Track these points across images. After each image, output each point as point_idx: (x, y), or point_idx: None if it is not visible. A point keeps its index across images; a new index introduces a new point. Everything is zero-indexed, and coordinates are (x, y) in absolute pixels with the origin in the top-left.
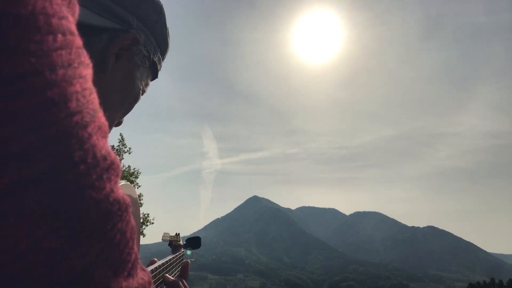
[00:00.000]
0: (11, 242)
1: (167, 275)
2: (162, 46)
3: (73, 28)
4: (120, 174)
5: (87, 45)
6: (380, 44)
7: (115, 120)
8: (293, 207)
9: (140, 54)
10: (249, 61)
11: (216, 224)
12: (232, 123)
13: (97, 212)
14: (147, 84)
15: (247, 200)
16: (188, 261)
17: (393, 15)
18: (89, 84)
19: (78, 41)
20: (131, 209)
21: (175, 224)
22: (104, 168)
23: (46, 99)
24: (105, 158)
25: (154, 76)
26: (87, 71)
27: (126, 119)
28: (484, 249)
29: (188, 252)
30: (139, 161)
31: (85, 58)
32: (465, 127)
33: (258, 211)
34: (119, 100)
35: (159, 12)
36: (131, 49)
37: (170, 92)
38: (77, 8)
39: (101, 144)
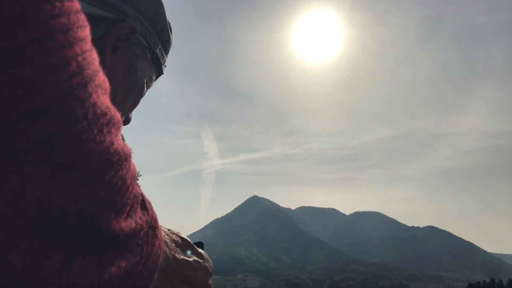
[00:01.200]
0: (29, 191)
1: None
2: (163, 39)
3: None
4: (120, 127)
5: None
6: (380, 45)
7: (122, 115)
8: (293, 207)
9: (138, 44)
10: (249, 61)
11: (216, 224)
12: (232, 123)
13: (99, 162)
14: (151, 79)
15: (247, 200)
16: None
17: (393, 16)
18: (88, 45)
19: (76, 5)
20: (131, 159)
21: (175, 224)
22: (104, 123)
23: (48, 64)
24: (105, 113)
25: (159, 72)
26: (86, 33)
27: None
28: (484, 249)
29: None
30: (139, 161)
31: (83, 21)
32: (465, 128)
33: (258, 211)
34: (123, 93)
35: (157, 4)
36: (128, 38)
37: (170, 92)
38: None
39: (102, 100)
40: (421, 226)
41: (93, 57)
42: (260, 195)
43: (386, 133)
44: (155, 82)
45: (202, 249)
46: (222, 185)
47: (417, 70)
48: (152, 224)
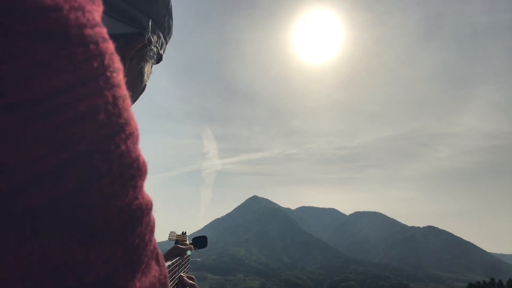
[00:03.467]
0: (46, 257)
1: (182, 274)
2: (168, 37)
3: (105, 33)
4: (146, 176)
5: None
6: (380, 45)
7: None
8: (293, 207)
9: (150, 52)
10: (249, 61)
11: (216, 224)
12: (232, 124)
13: (120, 220)
14: (151, 73)
15: (247, 200)
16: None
17: (393, 16)
18: (122, 91)
19: (111, 47)
20: (152, 210)
21: (175, 224)
22: (129, 177)
23: (77, 114)
24: (131, 165)
25: (159, 61)
26: (119, 77)
27: None
28: (484, 249)
29: (188, 252)
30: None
31: (118, 63)
32: (464, 128)
33: (258, 211)
34: (130, 96)
35: (167, 5)
36: (143, 50)
37: (170, 92)
38: (101, 9)
39: (130, 151)
40: (421, 226)
41: (126, 103)
42: (260, 195)
43: (386, 133)
44: (152, 83)
45: (206, 243)
46: (222, 185)
47: (417, 70)
48: (163, 282)
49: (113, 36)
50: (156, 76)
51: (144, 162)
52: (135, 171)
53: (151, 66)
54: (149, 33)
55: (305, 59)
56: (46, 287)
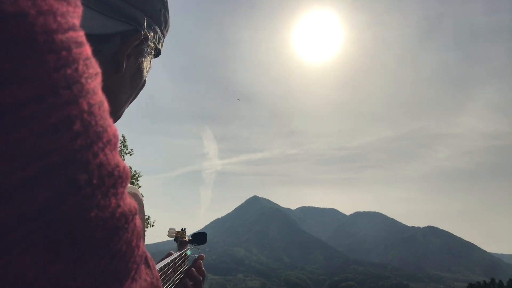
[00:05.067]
0: (19, 272)
1: (193, 269)
2: (165, 31)
3: (81, 37)
4: (128, 181)
5: (100, 52)
6: (380, 45)
7: (124, 110)
8: (293, 207)
9: (148, 48)
10: (249, 61)
11: (216, 224)
12: (232, 124)
13: (103, 230)
14: (150, 67)
15: (247, 200)
16: (201, 257)
17: (393, 16)
18: (98, 97)
19: (86, 51)
20: (137, 215)
21: (176, 224)
22: (109, 185)
23: (48, 125)
24: (111, 174)
25: (157, 55)
26: (95, 83)
27: (126, 120)
28: (484, 249)
29: (188, 252)
30: (140, 162)
31: (94, 68)
32: (464, 128)
33: (258, 211)
34: (128, 93)
35: (162, 0)
36: (141, 47)
37: (170, 93)
38: (79, 9)
39: (109, 159)
40: (421, 226)
41: (103, 109)
42: (260, 195)
43: (386, 134)
44: (152, 84)
45: (205, 239)
46: (222, 185)
47: (416, 70)
48: (156, 284)
49: (108, 35)
50: (157, 76)
51: (124, 167)
52: (116, 178)
53: (150, 61)
54: (145, 29)
55: (305, 59)
56: None
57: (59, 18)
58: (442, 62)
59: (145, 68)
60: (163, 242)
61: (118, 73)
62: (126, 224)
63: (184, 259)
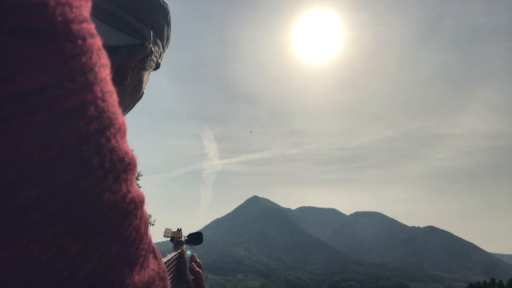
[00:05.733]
0: (39, 251)
1: (193, 263)
2: (166, 47)
3: (93, 29)
4: (136, 170)
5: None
6: (380, 45)
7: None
8: (293, 207)
9: (151, 62)
10: (249, 61)
11: (216, 224)
12: (232, 124)
13: (115, 213)
14: (147, 80)
15: (247, 200)
16: (183, 249)
17: (393, 16)
18: (109, 86)
19: (98, 42)
20: (145, 204)
21: (176, 224)
22: (120, 170)
23: (66, 109)
24: (122, 159)
25: (156, 69)
26: (107, 72)
27: (127, 120)
28: (484, 249)
29: (188, 252)
30: (140, 161)
31: (105, 59)
32: (464, 128)
33: (258, 211)
34: (128, 103)
35: (167, 15)
36: (145, 60)
37: (170, 93)
38: (89, 4)
39: (120, 145)
40: (421, 226)
41: (113, 98)
42: (260, 195)
43: (385, 134)
44: (152, 84)
45: (201, 239)
46: (222, 185)
47: (416, 70)
48: (162, 275)
49: (116, 47)
50: (157, 77)
51: (133, 156)
52: (126, 165)
53: (149, 74)
54: (151, 44)
55: (305, 59)
56: (40, 281)
57: (74, 10)
58: (442, 62)
59: (145, 81)
60: (163, 242)
61: (122, 84)
62: (135, 210)
63: (179, 260)
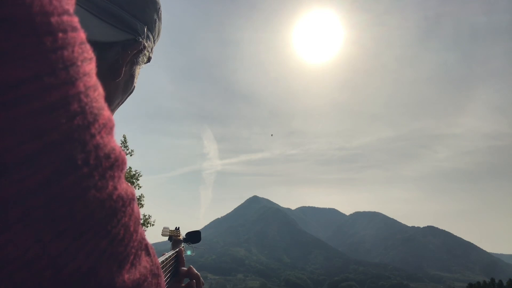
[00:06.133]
0: (18, 250)
1: (191, 266)
2: (156, 40)
3: (75, 22)
4: (125, 167)
5: (102, 59)
6: (380, 45)
7: (112, 113)
8: (293, 207)
9: (143, 57)
10: (249, 62)
11: (216, 224)
12: (232, 124)
13: (101, 211)
14: (138, 74)
15: (247, 200)
16: (181, 249)
17: (392, 16)
18: (93, 80)
19: (81, 36)
20: (135, 201)
21: (175, 224)
22: (107, 167)
23: (46, 104)
24: (108, 156)
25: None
26: (91, 67)
27: (126, 120)
28: (484, 249)
29: (188, 252)
30: (140, 161)
31: (88, 53)
32: (464, 129)
33: (258, 211)
34: (120, 98)
35: (158, 10)
36: (138, 55)
37: (170, 93)
38: None
39: (105, 141)
40: (421, 226)
41: (98, 92)
42: (260, 195)
43: (385, 134)
44: (152, 84)
45: (199, 238)
46: (222, 185)
47: (416, 70)
48: (155, 272)
49: (110, 43)
50: (157, 77)
51: (120, 152)
52: (112, 161)
53: (139, 68)
54: (144, 39)
55: (304, 59)
56: (20, 280)
57: (54, 2)
58: (442, 62)
59: (137, 75)
60: (163, 242)
61: (116, 79)
62: (124, 207)
63: (176, 258)
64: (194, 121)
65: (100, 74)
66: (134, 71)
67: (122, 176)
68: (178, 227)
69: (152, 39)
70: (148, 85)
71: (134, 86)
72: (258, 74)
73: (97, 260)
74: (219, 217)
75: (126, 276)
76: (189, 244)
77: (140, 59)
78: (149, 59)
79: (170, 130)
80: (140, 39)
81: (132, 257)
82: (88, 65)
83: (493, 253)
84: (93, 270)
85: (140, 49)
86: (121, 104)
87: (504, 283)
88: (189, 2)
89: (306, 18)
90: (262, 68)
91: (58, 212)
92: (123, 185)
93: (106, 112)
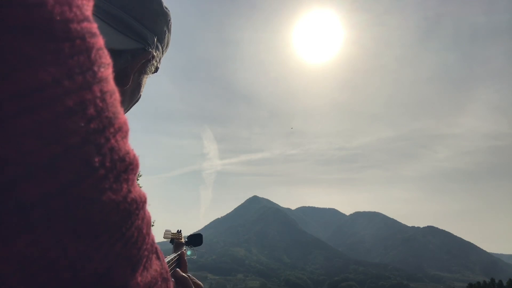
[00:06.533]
0: (40, 252)
1: (178, 269)
2: (165, 51)
3: (94, 28)
4: (137, 170)
5: (112, 66)
6: (380, 45)
7: None
8: (293, 207)
9: (151, 66)
10: (249, 62)
11: (216, 224)
12: (232, 124)
13: (117, 213)
14: (145, 83)
15: (247, 200)
16: (183, 251)
17: (392, 16)
18: (110, 85)
19: (99, 42)
20: (147, 204)
21: (176, 224)
22: (121, 170)
23: (65, 108)
24: (123, 159)
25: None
26: (108, 72)
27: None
28: (484, 249)
29: (188, 252)
30: (140, 161)
31: (106, 58)
32: (464, 129)
33: (258, 211)
34: (127, 106)
35: (168, 22)
36: (146, 64)
37: (170, 93)
38: (91, 3)
39: (120, 145)
40: (421, 226)
41: (114, 98)
42: (260, 195)
43: (385, 134)
44: (152, 84)
45: (201, 241)
46: (222, 185)
47: (416, 71)
48: (165, 276)
49: (120, 51)
50: (157, 77)
51: (134, 156)
52: (127, 164)
53: (147, 78)
54: (154, 49)
55: (305, 59)
56: (41, 281)
57: (74, 9)
58: (442, 62)
59: (143, 84)
60: (163, 242)
61: (123, 87)
62: (137, 210)
63: (178, 262)
64: (194, 121)
65: None
66: (141, 80)
67: (135, 179)
68: (180, 230)
69: (161, 50)
70: (148, 85)
71: (140, 95)
72: (258, 74)
73: (113, 262)
74: (219, 217)
75: (139, 278)
76: (190, 247)
77: (148, 69)
78: (156, 69)
79: (170, 130)
80: (150, 49)
81: (144, 260)
82: (105, 71)
83: (493, 253)
84: (109, 272)
85: (149, 59)
86: (126, 112)
87: (504, 283)
88: (189, 2)
89: (306, 18)
90: (262, 68)
91: (77, 214)
92: (137, 188)
93: (121, 116)
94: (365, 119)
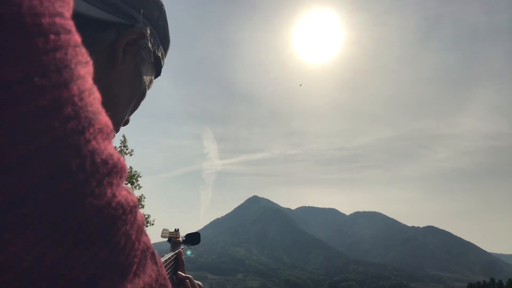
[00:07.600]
0: (12, 260)
1: (180, 272)
2: (164, 42)
3: (69, 25)
4: (124, 175)
5: (96, 41)
6: (380, 45)
7: (124, 117)
8: (293, 207)
9: (146, 49)
10: (249, 62)
11: (216, 224)
12: (232, 124)
13: (100, 219)
14: (151, 81)
15: (247, 200)
16: (180, 251)
17: (392, 16)
18: (88, 84)
19: (75, 38)
20: (138, 208)
21: (176, 224)
22: (104, 173)
23: (37, 107)
24: (105, 162)
25: (158, 73)
26: (86, 70)
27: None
28: (484, 249)
29: (188, 252)
30: (140, 162)
31: (83, 56)
32: (464, 129)
33: (258, 211)
34: (128, 97)
35: (161, 8)
36: (137, 43)
37: (170, 93)
38: (71, 1)
39: (102, 147)
40: (421, 226)
41: (93, 97)
42: (260, 195)
43: (385, 134)
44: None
45: (199, 240)
46: (222, 185)
47: (416, 71)
48: (162, 283)
49: (104, 25)
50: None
51: (119, 159)
52: (110, 167)
53: (151, 72)
54: (141, 26)
55: (305, 59)
56: None
57: (45, 3)
58: (442, 62)
59: (145, 74)
60: (163, 242)
61: (114, 65)
62: (124, 215)
63: (176, 260)
64: (194, 121)
65: (96, 57)
66: (139, 66)
67: (122, 183)
68: (178, 229)
69: (158, 38)
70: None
71: (145, 89)
72: (258, 74)
73: (97, 270)
74: (219, 217)
75: (129, 286)
76: (188, 246)
77: (143, 52)
78: (159, 71)
79: (170, 130)
80: (136, 25)
81: (135, 266)
82: (83, 68)
83: (493, 253)
84: (93, 280)
85: (138, 37)
86: (133, 107)
87: (504, 283)
88: (189, 2)
89: (306, 18)
90: (262, 68)
91: (53, 219)
92: (123, 193)
93: (103, 117)
94: (365, 119)
